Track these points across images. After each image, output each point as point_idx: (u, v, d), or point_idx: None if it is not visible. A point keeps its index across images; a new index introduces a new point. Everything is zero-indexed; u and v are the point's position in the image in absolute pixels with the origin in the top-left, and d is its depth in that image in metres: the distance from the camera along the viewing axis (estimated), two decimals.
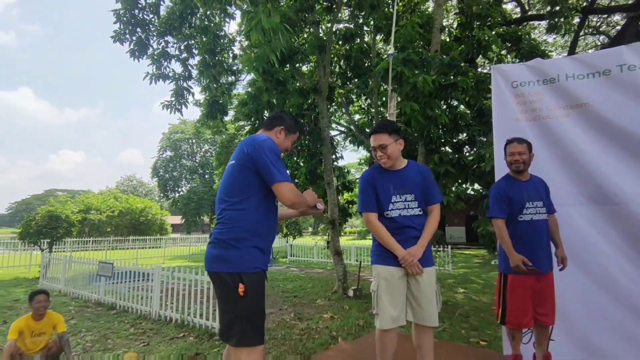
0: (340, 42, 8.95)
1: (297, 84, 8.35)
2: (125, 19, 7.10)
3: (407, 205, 2.30)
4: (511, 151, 2.69)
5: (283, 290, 7.73)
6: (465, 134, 6.92)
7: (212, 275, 1.85)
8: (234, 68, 8.88)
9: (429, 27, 6.63)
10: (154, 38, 7.26)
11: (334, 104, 10.00)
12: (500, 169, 3.13)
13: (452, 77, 5.95)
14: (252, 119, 8.15)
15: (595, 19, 13.44)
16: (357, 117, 12.65)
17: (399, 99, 5.27)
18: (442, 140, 6.72)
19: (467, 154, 7.01)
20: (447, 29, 8.26)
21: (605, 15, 12.94)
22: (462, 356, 3.05)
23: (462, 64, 6.11)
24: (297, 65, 7.88)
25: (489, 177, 5.71)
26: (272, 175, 1.80)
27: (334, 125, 13.81)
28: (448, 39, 7.52)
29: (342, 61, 9.23)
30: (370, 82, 8.70)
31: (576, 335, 2.84)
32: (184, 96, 7.37)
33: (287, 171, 2.11)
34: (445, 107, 6.58)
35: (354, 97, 11.27)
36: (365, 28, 9.10)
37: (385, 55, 6.77)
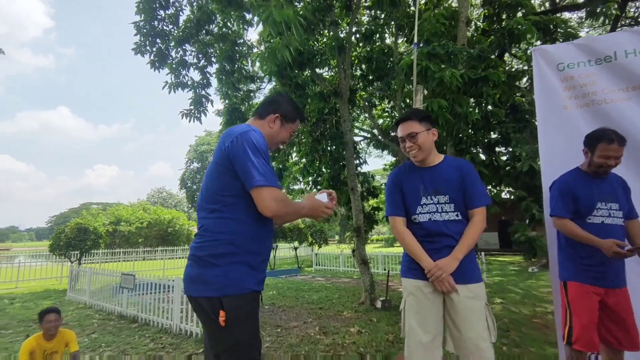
0: (360, 44, 8.70)
1: (317, 88, 8.14)
2: (145, 30, 7.13)
3: (440, 209, 1.92)
4: (607, 153, 2.16)
5: (308, 302, 7.41)
6: (497, 133, 6.45)
7: (191, 301, 1.52)
8: (254, 75, 8.79)
9: (454, 21, 6.26)
10: (173, 47, 7.24)
11: (355, 107, 9.72)
12: (548, 167, 2.72)
13: (481, 71, 5.53)
14: None
15: (633, 9, 12.59)
16: (380, 121, 12.30)
17: (425, 92, 4.92)
18: (473, 140, 6.29)
19: (501, 154, 6.55)
20: (473, 23, 7.84)
21: None
22: None
23: (492, 57, 5.68)
24: (317, 68, 7.68)
25: (526, 177, 5.25)
26: (249, 178, 1.42)
27: (356, 131, 13.49)
28: (475, 34, 7.12)
29: (364, 63, 8.97)
30: (393, 83, 8.37)
31: None
32: (202, 104, 7.28)
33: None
34: (475, 103, 6.16)
35: (376, 100, 10.97)
36: (386, 29, 8.83)
37: (406, 56, 6.46)
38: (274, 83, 8.68)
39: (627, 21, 12.98)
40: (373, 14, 8.69)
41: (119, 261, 17.11)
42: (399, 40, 9.14)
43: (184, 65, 7.27)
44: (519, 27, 5.45)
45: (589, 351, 2.13)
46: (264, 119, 1.69)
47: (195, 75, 7.87)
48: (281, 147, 1.78)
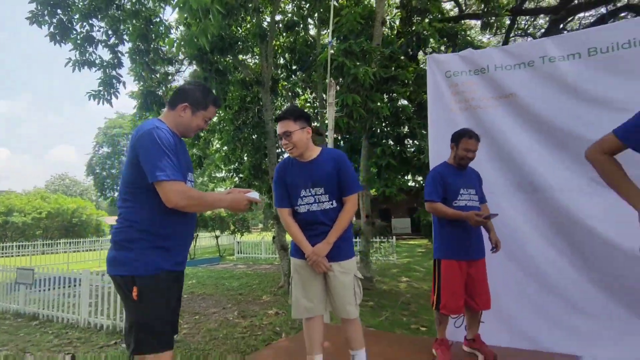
0: (283, 34, 8.77)
1: (240, 75, 8.06)
2: None
3: (317, 200, 2.17)
4: (467, 147, 2.63)
5: (228, 289, 7.48)
6: (406, 127, 7.07)
7: (112, 280, 1.68)
8: (172, 57, 8.36)
9: (371, 20, 6.67)
10: (77, 20, 6.58)
11: (278, 96, 9.80)
12: (435, 158, 3.18)
13: (393, 70, 6.03)
14: None
15: (523, 22, 14.46)
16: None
17: (338, 88, 5.23)
18: (384, 133, 6.84)
19: (409, 147, 7.20)
20: (389, 23, 8.39)
21: (532, 19, 13.97)
22: (395, 345, 3.08)
23: (402, 57, 6.22)
24: (239, 55, 7.61)
25: (428, 169, 5.89)
26: (151, 173, 1.54)
27: None
28: (390, 34, 7.65)
29: (287, 53, 9.06)
30: (314, 75, 8.63)
31: (503, 317, 2.96)
32: (113, 86, 6.77)
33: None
34: (386, 100, 6.68)
35: (299, 90, 11.15)
36: (310, 21, 9.01)
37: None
38: (194, 66, 8.38)
39: (518, 32, 14.88)
40: (297, 4, 8.80)
41: (12, 256, 15.15)
42: (323, 32, 9.39)
43: (90, 42, 6.65)
44: (425, 32, 6.02)
45: (453, 314, 2.62)
46: (174, 109, 1.76)
47: (104, 53, 7.22)
48: (199, 131, 1.87)
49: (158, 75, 7.98)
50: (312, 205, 2.17)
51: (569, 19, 11.87)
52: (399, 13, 8.17)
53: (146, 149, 1.56)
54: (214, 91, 7.30)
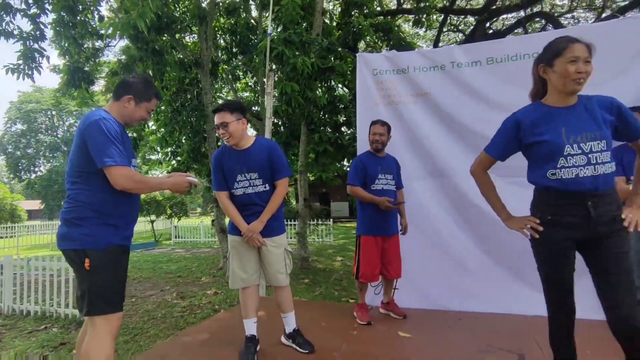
0: (224, 16, 8.64)
1: (177, 55, 7.85)
2: None
3: (252, 184, 2.43)
4: (374, 131, 3.10)
5: (166, 272, 7.45)
6: (343, 116, 7.46)
7: (63, 253, 1.84)
8: (101, 31, 7.86)
9: (311, 10, 6.86)
10: None
11: (218, 79, 9.68)
12: (362, 147, 3.57)
13: (331, 61, 6.33)
14: None
15: (455, 18, 15.53)
16: (245, 94, 12.45)
17: (276, 79, 5.42)
18: (322, 121, 7.17)
19: (345, 134, 7.62)
20: (329, 14, 8.65)
21: (463, 16, 15.06)
22: (323, 310, 3.51)
23: (340, 49, 6.54)
24: (177, 35, 7.39)
25: None
26: (99, 159, 1.71)
27: (220, 101, 13.34)
28: (330, 24, 7.90)
29: (227, 35, 8.95)
30: (256, 59, 8.67)
31: (415, 285, 3.47)
32: (35, 60, 6.27)
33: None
34: (325, 89, 6.99)
35: (240, 73, 11.06)
36: (252, 3, 8.95)
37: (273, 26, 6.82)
38: (125, 40, 7.96)
39: (451, 27, 15.95)
40: None
41: None
42: (265, 15, 9.35)
43: (7, 10, 6.07)
44: (360, 26, 6.39)
45: (370, 282, 3.09)
46: (119, 100, 1.91)
47: (24, 24, 6.62)
48: (142, 121, 2.05)
49: (86, 50, 7.49)
50: (248, 189, 2.43)
51: (493, 19, 12.99)
52: (339, 4, 8.44)
53: (94, 138, 1.72)
54: (150, 72, 7.07)
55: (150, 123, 8.84)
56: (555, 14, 13.12)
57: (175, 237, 13.89)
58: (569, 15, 13.67)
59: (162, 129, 8.32)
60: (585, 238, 1.56)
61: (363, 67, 3.76)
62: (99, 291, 1.75)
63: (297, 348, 2.50)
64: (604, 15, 12.03)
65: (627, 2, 11.08)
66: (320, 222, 11.85)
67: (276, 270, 2.48)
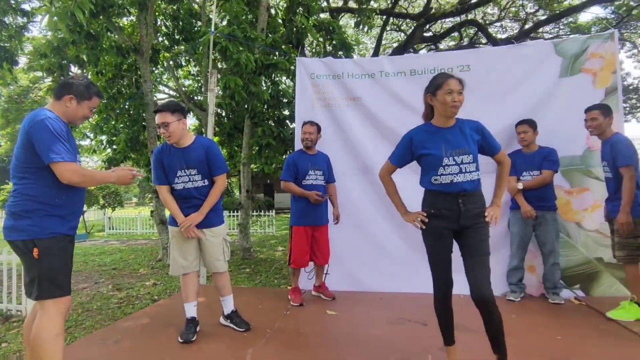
0: (165, 1, 8.38)
1: (113, 38, 7.52)
2: None
3: (192, 179, 2.63)
4: (305, 130, 3.45)
5: (99, 265, 7.25)
6: (287, 110, 7.68)
7: (10, 244, 1.93)
8: (25, 8, 7.26)
9: (256, 4, 6.95)
10: None
11: (159, 66, 9.38)
12: (299, 145, 3.87)
13: (275, 57, 6.51)
14: (55, 74, 6.96)
15: (398, 19, 16.28)
16: (187, 83, 12.12)
17: (219, 76, 5.52)
18: (266, 115, 7.34)
19: (288, 128, 7.84)
20: (275, 9, 8.76)
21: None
22: (260, 295, 3.80)
23: (283, 47, 6.73)
24: (114, 18, 7.08)
25: None
26: (45, 156, 1.81)
27: (161, 88, 12.83)
28: (276, 19, 8.02)
29: (169, 21, 8.68)
30: (199, 49, 8.55)
31: (344, 270, 3.87)
32: None
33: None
34: (269, 83, 7.15)
35: (182, 61, 10.77)
36: None
37: (217, 22, 6.77)
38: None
39: (393, 27, 16.70)
40: None
41: None
42: (208, 2, 9.17)
43: None
44: (303, 26, 6.63)
45: (300, 267, 3.44)
46: (60, 100, 2.00)
47: None
48: (85, 120, 2.15)
49: (8, 28, 6.91)
50: (187, 184, 2.63)
51: (432, 23, 13.88)
52: (283, 0, 8.58)
53: (40, 136, 1.83)
54: (84, 57, 6.74)
55: None
56: (487, 22, 14.41)
57: (109, 229, 13.27)
58: (497, 24, 15.08)
59: (96, 116, 7.94)
60: (458, 228, 2.00)
61: (302, 70, 4.05)
62: (49, 277, 1.87)
63: (234, 327, 2.76)
64: (526, 26, 13.49)
65: (544, 17, 12.62)
66: (262, 214, 12.03)
67: (215, 258, 2.71)
